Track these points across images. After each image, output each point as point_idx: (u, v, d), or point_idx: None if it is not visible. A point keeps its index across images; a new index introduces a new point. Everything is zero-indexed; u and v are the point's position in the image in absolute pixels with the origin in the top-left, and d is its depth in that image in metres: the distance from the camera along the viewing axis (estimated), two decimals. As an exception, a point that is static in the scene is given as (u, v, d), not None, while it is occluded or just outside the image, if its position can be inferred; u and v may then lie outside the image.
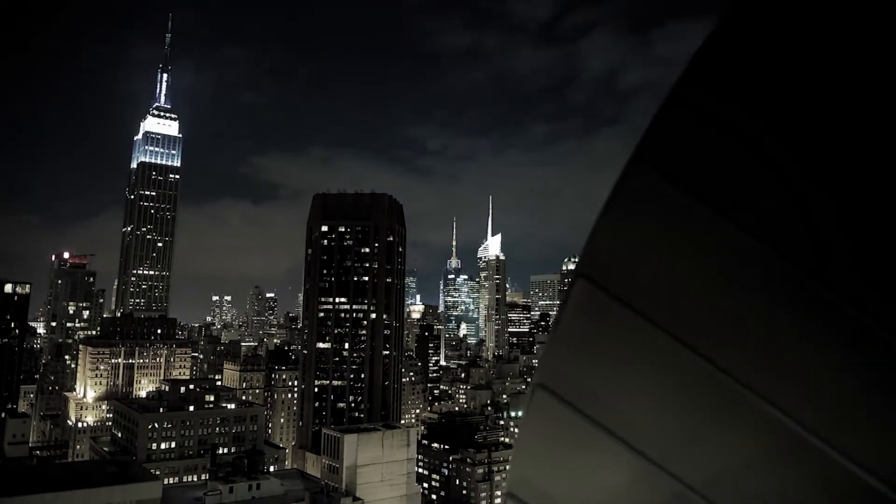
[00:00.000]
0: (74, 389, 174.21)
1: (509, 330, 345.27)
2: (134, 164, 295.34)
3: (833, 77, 1.53)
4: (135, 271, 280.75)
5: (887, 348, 1.55)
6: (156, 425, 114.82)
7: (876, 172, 1.52)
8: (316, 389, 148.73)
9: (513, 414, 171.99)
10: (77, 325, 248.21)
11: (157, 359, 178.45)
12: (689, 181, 1.61)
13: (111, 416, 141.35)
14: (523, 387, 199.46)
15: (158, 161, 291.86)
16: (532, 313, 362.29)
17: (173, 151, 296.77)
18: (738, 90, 1.57)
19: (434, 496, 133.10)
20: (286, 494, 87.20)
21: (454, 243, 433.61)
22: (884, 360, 1.56)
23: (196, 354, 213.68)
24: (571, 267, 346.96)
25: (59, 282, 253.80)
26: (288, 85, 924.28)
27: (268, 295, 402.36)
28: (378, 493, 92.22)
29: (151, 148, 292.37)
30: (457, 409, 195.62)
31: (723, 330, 1.68)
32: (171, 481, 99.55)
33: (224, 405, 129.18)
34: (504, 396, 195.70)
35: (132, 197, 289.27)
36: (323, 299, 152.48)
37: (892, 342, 1.54)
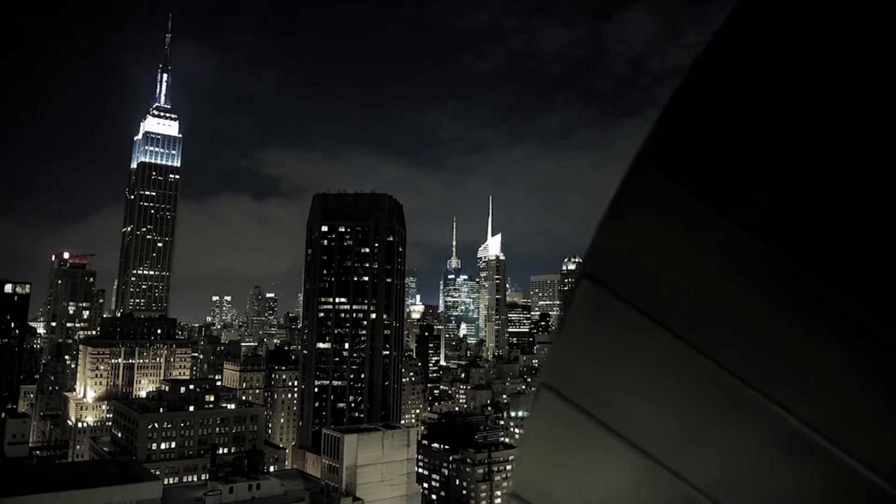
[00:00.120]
0: (74, 389, 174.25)
1: (509, 330, 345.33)
2: (134, 164, 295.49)
3: (833, 77, 1.54)
4: (135, 271, 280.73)
5: (888, 347, 1.55)
6: (156, 425, 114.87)
7: (876, 172, 1.52)
8: (316, 389, 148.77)
9: (513, 414, 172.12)
10: (77, 325, 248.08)
11: (157, 359, 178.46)
12: (693, 181, 1.62)
13: (111, 416, 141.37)
14: (523, 387, 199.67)
15: (158, 161, 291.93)
16: (532, 313, 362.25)
17: (173, 151, 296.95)
18: (738, 90, 1.58)
19: (434, 496, 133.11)
20: (286, 494, 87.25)
21: (454, 243, 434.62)
22: (885, 359, 1.56)
23: (196, 354, 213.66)
24: (572, 267, 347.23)
25: (59, 282, 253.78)
26: (292, 73, 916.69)
27: (268, 295, 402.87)
28: (378, 493, 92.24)
29: (151, 148, 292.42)
30: (457, 409, 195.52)
31: (726, 329, 1.68)
32: (171, 481, 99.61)
33: (224, 405, 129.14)
34: (504, 396, 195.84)
35: (132, 197, 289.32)
36: (323, 299, 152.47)
37: (893, 341, 1.55)
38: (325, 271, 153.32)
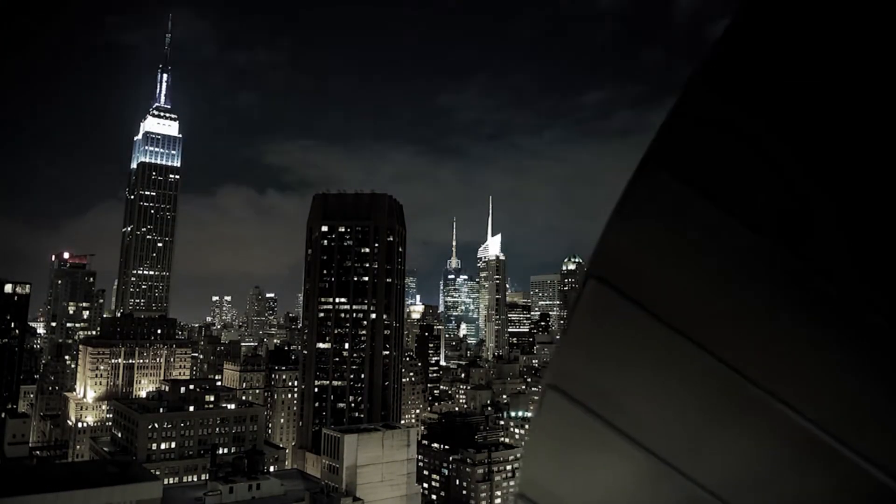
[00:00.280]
0: (74, 389, 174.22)
1: (509, 330, 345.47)
2: (134, 164, 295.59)
3: (832, 78, 1.54)
4: (135, 271, 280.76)
5: (890, 347, 1.56)
6: (156, 425, 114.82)
7: (875, 172, 1.53)
8: (316, 389, 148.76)
9: (513, 414, 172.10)
10: (77, 325, 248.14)
11: (157, 359, 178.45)
12: (699, 181, 1.62)
13: (111, 416, 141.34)
14: (523, 387, 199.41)
15: (158, 161, 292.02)
16: (532, 313, 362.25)
17: (173, 151, 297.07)
18: (738, 91, 1.59)
19: (434, 496, 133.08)
20: (286, 494, 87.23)
21: (454, 243, 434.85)
22: (886, 358, 1.57)
23: (196, 354, 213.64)
24: (572, 267, 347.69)
25: (59, 282, 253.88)
26: (298, 56, 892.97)
27: (268, 295, 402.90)
28: (378, 493, 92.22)
29: (151, 148, 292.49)
30: (457, 409, 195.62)
31: (729, 328, 1.69)
32: (171, 481, 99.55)
33: (224, 405, 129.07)
34: (504, 396, 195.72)
35: (132, 197, 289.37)
36: (323, 299, 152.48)
37: (894, 341, 1.55)
38: (325, 271, 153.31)
